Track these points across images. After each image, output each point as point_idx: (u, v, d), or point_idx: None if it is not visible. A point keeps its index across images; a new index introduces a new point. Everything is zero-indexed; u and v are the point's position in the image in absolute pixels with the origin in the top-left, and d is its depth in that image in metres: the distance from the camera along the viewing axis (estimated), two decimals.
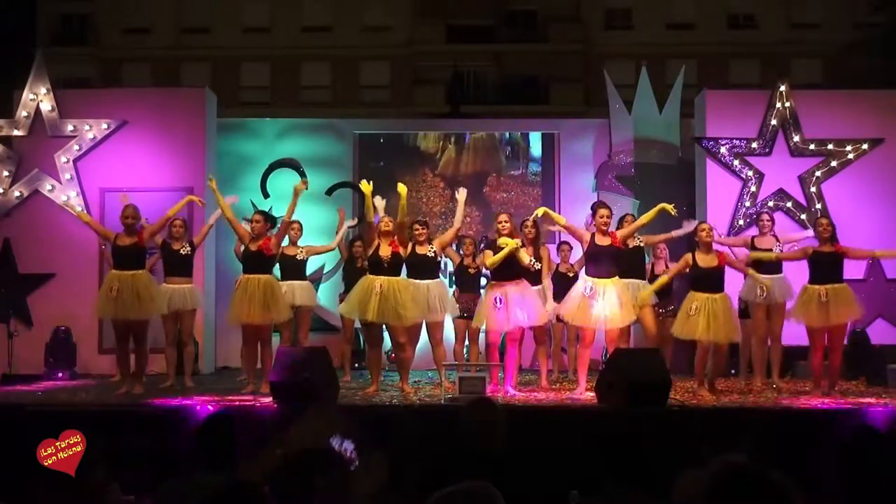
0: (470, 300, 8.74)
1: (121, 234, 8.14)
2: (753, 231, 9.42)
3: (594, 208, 8.17)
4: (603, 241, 7.90)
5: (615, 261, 7.95)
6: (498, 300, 7.79)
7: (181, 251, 8.77)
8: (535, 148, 12.31)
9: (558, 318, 9.05)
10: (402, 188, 8.05)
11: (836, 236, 8.00)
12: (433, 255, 8.25)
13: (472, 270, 9.09)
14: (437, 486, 2.41)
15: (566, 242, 10.01)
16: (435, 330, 8.28)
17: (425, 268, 8.20)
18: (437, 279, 8.33)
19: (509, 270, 7.89)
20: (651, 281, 9.23)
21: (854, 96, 11.49)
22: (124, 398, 7.74)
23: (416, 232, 8.32)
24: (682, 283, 8.77)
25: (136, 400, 7.58)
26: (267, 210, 11.75)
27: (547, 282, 8.74)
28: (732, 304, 8.01)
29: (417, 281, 8.16)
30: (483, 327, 8.31)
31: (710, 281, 7.82)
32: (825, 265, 7.89)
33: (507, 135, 12.44)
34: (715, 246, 8.08)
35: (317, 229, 10.99)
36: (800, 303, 7.99)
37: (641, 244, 8.95)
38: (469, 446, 3.73)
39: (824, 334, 7.89)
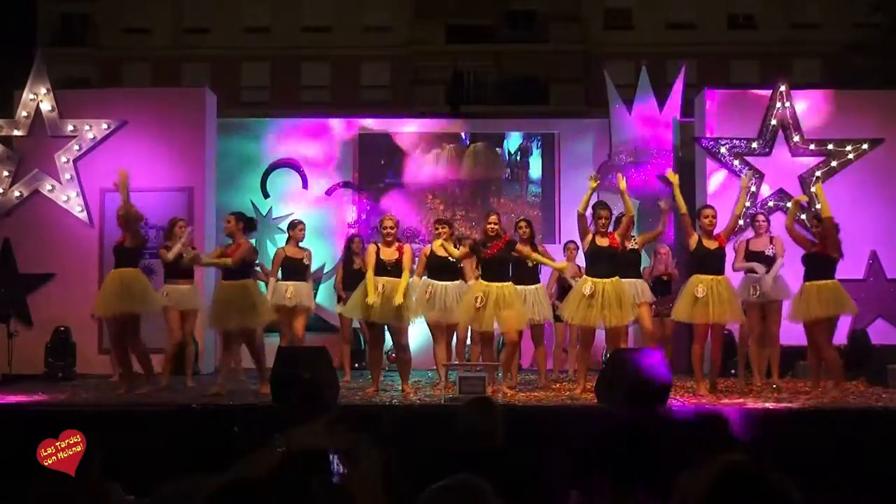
0: None
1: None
2: (749, 233, 9.39)
3: (594, 208, 8.17)
4: (602, 241, 7.95)
5: (614, 261, 7.98)
6: (478, 299, 7.77)
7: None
8: (535, 170, 12.24)
9: (557, 318, 9.05)
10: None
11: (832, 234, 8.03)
12: (454, 259, 8.22)
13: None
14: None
15: (573, 241, 9.99)
16: (444, 330, 8.27)
17: (443, 269, 8.21)
18: (456, 281, 8.32)
19: (500, 271, 7.89)
20: (651, 283, 9.24)
21: (854, 96, 11.47)
22: (124, 398, 7.75)
23: (437, 231, 8.32)
24: (680, 284, 8.77)
25: (136, 400, 7.59)
26: (266, 210, 11.79)
27: (569, 265, 8.80)
28: (734, 287, 8.07)
29: (436, 282, 8.16)
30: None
31: (713, 262, 7.89)
32: (812, 264, 8.03)
33: (507, 157, 12.37)
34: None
35: (317, 229, 10.98)
36: (793, 301, 8.11)
37: (636, 246, 8.93)
38: (468, 446, 3.72)
39: (811, 331, 7.93)
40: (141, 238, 8.48)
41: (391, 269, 7.88)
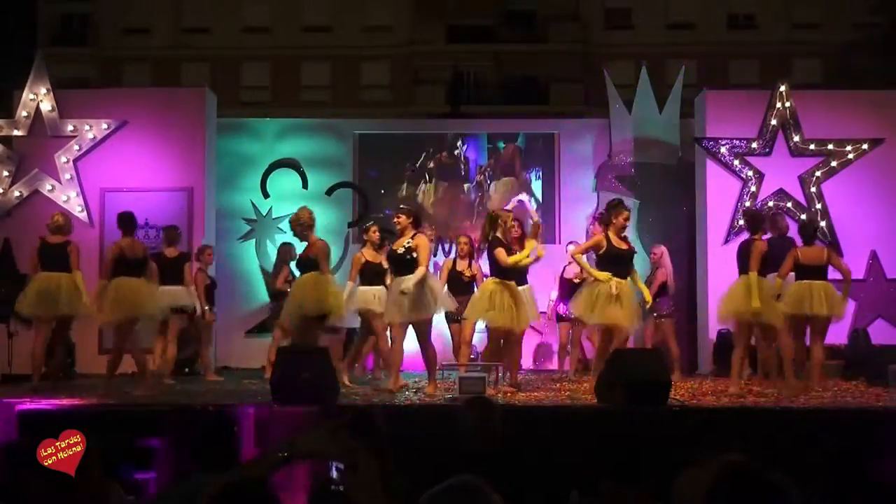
0: (464, 304, 8.23)
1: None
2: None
3: (611, 208, 7.86)
4: (621, 244, 7.72)
5: (629, 264, 7.84)
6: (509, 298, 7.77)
7: (171, 256, 8.83)
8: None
9: (560, 318, 9.04)
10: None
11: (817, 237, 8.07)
12: (403, 251, 7.65)
13: (466, 275, 8.95)
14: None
15: (574, 242, 9.94)
16: (422, 327, 7.85)
17: (398, 265, 7.75)
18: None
19: (515, 270, 7.92)
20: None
21: (854, 96, 11.49)
22: (126, 398, 7.74)
23: (394, 221, 7.94)
24: (681, 285, 8.76)
25: (136, 400, 7.59)
26: (266, 210, 11.77)
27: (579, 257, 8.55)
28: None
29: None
30: (482, 326, 8.29)
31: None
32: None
33: None
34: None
35: (317, 229, 10.96)
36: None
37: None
38: (468, 446, 3.72)
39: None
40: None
41: (301, 268, 8.05)
